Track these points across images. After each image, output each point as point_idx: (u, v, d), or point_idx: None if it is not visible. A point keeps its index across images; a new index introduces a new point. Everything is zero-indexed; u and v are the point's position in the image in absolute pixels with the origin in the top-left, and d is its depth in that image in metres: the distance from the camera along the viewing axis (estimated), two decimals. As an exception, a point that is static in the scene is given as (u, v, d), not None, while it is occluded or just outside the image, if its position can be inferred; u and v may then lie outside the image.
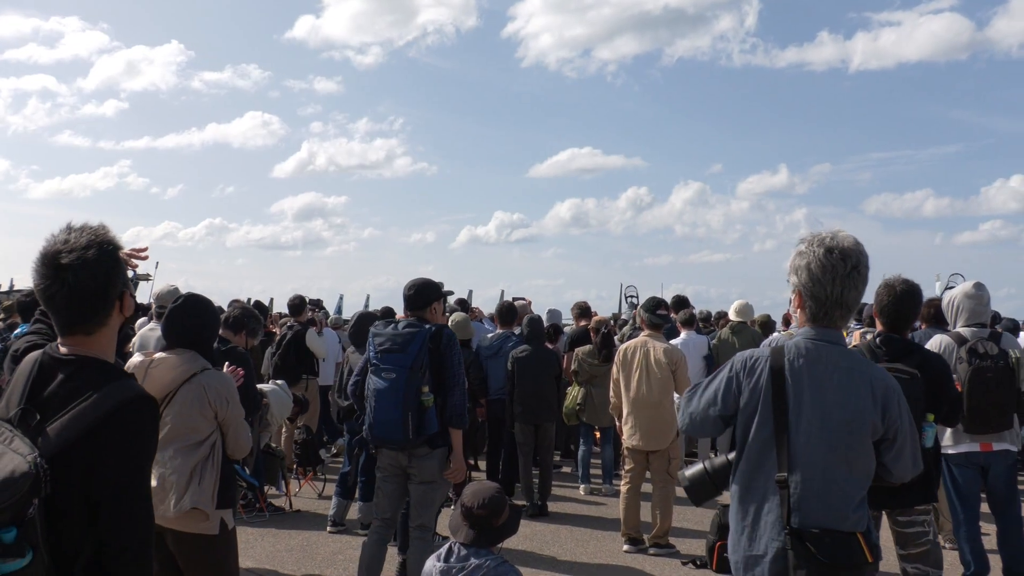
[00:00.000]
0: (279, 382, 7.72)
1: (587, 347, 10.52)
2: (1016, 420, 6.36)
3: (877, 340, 5.14)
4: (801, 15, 63.91)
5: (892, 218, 60.03)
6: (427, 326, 5.83)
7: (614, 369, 8.04)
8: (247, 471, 5.92)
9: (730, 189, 67.54)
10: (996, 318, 11.60)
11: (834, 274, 3.19)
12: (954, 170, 61.06)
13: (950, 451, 6.23)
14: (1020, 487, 6.65)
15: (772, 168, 65.57)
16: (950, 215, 57.89)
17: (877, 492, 4.92)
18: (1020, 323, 13.36)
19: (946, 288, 25.52)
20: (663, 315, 8.04)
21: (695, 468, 3.61)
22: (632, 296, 25.36)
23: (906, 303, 5.16)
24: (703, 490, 3.55)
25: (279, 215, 67.35)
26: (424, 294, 6.04)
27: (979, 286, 6.37)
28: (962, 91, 60.12)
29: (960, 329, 6.26)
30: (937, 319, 8.14)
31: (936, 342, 6.25)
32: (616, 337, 10.91)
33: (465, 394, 6.02)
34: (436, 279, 6.27)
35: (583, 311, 11.75)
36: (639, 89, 66.55)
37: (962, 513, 6.30)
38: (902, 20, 57.18)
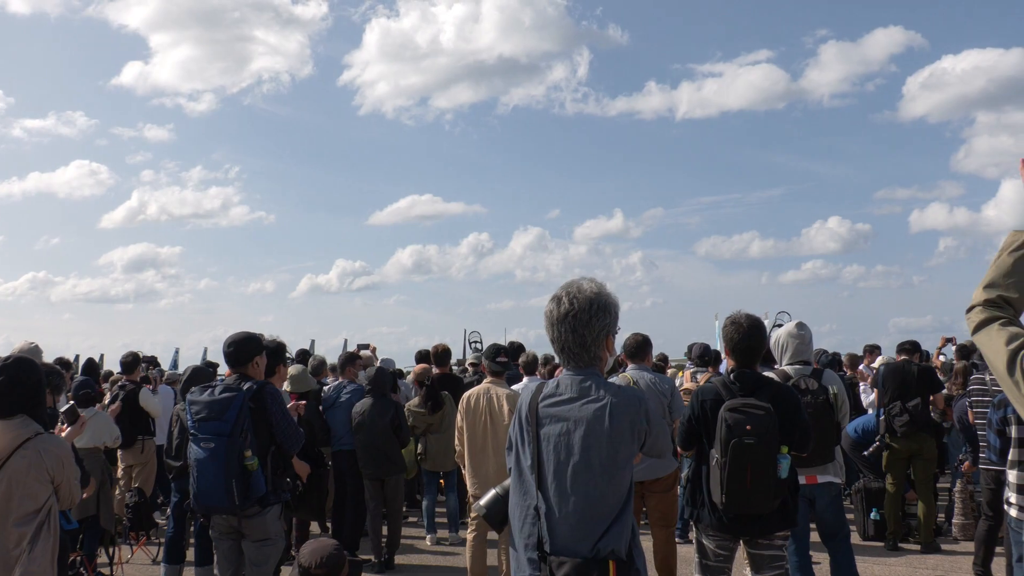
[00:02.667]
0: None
1: (415, 399, 10.50)
2: (839, 453, 6.67)
3: (731, 376, 5.29)
4: (629, 66, 66.27)
5: (722, 259, 62.50)
6: (247, 386, 5.72)
7: (458, 417, 8.03)
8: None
9: (568, 234, 68.82)
10: (822, 356, 12.21)
11: (551, 320, 3.52)
12: (777, 213, 64.22)
13: None
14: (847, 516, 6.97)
15: (608, 213, 67.19)
16: (775, 255, 60.66)
17: (740, 521, 5.12)
18: (840, 356, 14.01)
19: (774, 326, 26.72)
20: (503, 362, 8.09)
21: (489, 494, 3.75)
22: (476, 342, 25.58)
23: (754, 337, 5.34)
24: (500, 514, 3.67)
25: (108, 267, 64.45)
26: (244, 350, 5.94)
27: (801, 325, 6.70)
28: (782, 137, 63.48)
29: (785, 367, 6.56)
30: (765, 357, 8.50)
31: None
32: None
33: (302, 441, 5.96)
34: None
35: (440, 356, 11.57)
36: (477, 137, 67.33)
37: (792, 544, 6.54)
38: (723, 71, 60.04)
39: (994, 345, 2.77)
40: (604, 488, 3.31)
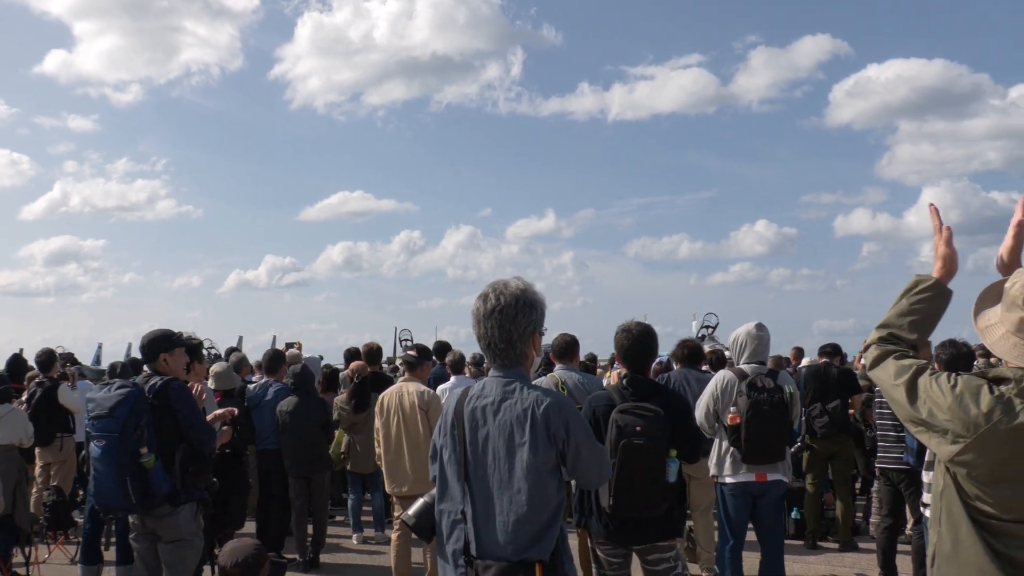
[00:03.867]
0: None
1: (343, 395, 10.42)
2: (788, 452, 6.80)
3: (624, 381, 5.41)
4: (563, 67, 66.83)
5: (652, 260, 63.38)
6: (150, 383, 5.64)
7: (376, 419, 8.00)
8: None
9: (500, 233, 69.13)
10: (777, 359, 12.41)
11: (478, 317, 3.46)
12: (706, 216, 65.25)
13: (728, 480, 6.59)
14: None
15: (539, 212, 67.76)
16: (703, 258, 61.69)
17: (626, 528, 5.18)
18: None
19: (702, 327, 27.10)
20: (414, 355, 8.10)
21: (417, 504, 3.71)
22: (406, 340, 25.64)
23: (644, 343, 5.48)
24: (429, 523, 3.63)
25: (28, 259, 62.94)
26: (151, 347, 5.87)
27: (760, 327, 6.83)
28: (712, 141, 64.56)
29: (743, 365, 6.68)
30: (690, 359, 8.63)
31: (720, 377, 6.67)
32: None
33: (214, 438, 5.88)
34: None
35: (372, 355, 11.46)
36: (410, 134, 67.19)
37: (731, 539, 6.64)
38: (655, 74, 60.86)
39: (890, 378, 2.83)
40: (530, 492, 3.28)
